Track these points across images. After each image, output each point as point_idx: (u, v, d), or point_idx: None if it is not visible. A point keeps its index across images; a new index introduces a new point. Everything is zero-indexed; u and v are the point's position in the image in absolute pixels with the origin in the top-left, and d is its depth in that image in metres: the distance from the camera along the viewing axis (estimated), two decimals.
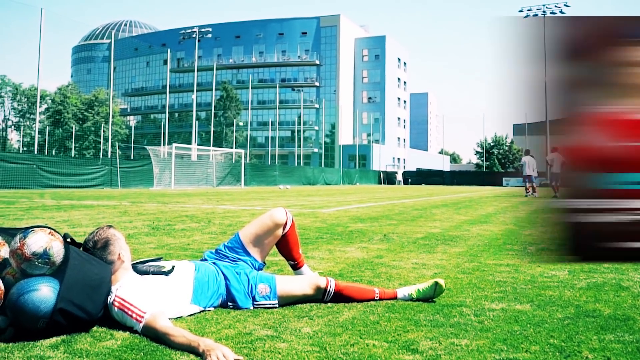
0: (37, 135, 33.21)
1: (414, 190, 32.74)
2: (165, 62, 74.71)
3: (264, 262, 3.11)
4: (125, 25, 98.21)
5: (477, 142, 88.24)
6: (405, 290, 2.95)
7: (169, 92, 61.44)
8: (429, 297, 2.90)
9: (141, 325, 2.28)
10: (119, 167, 28.47)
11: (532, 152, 21.07)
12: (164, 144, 40.41)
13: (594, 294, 3.11)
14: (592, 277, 3.61)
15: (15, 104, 66.93)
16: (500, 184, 53.29)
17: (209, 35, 55.47)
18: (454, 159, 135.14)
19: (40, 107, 54.64)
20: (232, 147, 54.96)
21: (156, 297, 2.46)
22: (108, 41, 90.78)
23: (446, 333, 2.33)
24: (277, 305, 2.77)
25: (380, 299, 2.91)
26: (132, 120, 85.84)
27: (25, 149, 62.41)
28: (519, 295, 3.07)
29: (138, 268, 2.66)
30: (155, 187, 29.12)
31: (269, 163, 62.95)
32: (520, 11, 50.71)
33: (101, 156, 43.41)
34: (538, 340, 2.22)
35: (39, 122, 50.58)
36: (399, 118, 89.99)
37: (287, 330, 2.37)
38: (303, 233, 6.28)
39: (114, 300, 2.42)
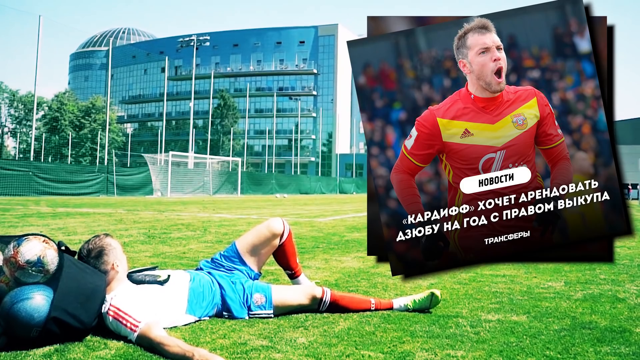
0: (33, 142, 33.14)
1: None
2: (163, 70, 74.79)
3: (260, 272, 3.10)
4: (124, 32, 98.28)
5: None
6: (401, 301, 2.94)
7: (167, 100, 61.37)
8: (424, 307, 2.89)
9: (135, 334, 2.26)
10: (115, 175, 28.39)
11: None
12: (161, 152, 40.31)
13: (590, 305, 3.11)
14: (588, 288, 3.61)
15: (12, 111, 66.61)
16: None
17: (207, 44, 55.52)
18: None
19: (37, 113, 54.52)
20: (229, 155, 54.92)
21: (151, 307, 2.45)
22: (106, 48, 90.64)
23: (442, 344, 2.32)
24: (272, 315, 2.76)
25: (376, 310, 2.90)
26: (129, 128, 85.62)
27: (21, 155, 62.03)
28: (515, 307, 3.06)
29: (133, 277, 2.65)
30: (153, 195, 29.05)
31: (266, 171, 62.88)
32: None
33: (97, 164, 43.25)
34: (534, 352, 2.21)
35: (36, 128, 50.47)
36: None
37: (282, 341, 2.36)
38: (299, 242, 6.26)
39: (108, 309, 2.40)
